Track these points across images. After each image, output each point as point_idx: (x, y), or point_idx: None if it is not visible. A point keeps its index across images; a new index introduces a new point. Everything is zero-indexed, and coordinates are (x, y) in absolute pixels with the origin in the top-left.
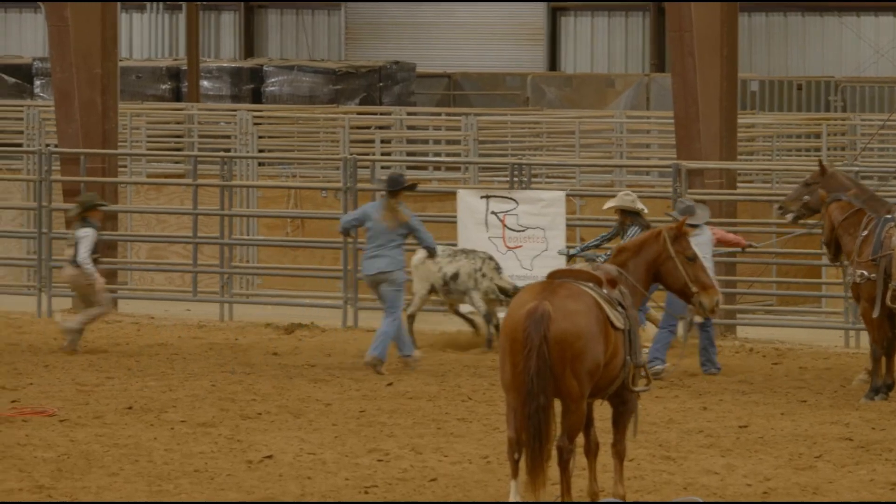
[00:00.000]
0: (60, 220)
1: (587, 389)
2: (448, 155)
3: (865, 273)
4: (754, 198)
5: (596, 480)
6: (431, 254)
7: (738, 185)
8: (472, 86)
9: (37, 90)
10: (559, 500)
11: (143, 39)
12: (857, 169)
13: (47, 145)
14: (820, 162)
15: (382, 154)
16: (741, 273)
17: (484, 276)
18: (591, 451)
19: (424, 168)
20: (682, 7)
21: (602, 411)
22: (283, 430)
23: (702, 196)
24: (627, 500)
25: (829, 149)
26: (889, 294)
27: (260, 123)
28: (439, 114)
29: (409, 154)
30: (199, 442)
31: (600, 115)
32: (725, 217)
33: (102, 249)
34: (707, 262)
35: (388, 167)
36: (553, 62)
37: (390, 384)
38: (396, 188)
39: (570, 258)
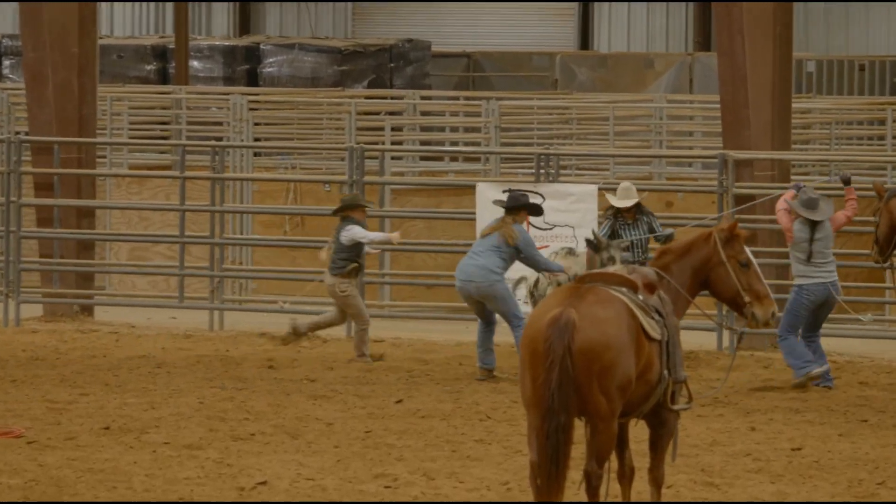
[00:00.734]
0: (31, 217)
1: (617, 407)
2: (466, 144)
3: None
4: None
5: None
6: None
7: (793, 177)
8: (494, 66)
9: (5, 71)
10: None
11: (126, 15)
12: None
13: (17, 133)
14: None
15: (393, 143)
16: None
17: None
18: (626, 476)
19: (440, 159)
20: None
21: (638, 432)
22: (278, 453)
23: (751, 190)
24: None
25: (894, 137)
26: None
27: (256, 109)
28: (457, 98)
29: (422, 143)
30: (184, 466)
31: (637, 100)
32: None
33: (78, 250)
34: (827, 261)
35: (399, 157)
36: (585, 40)
37: (399, 401)
38: (513, 206)
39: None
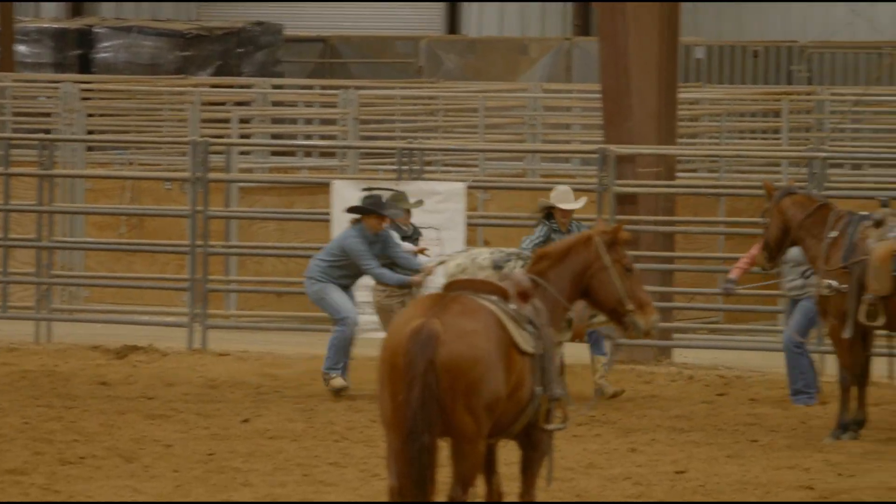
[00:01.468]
0: None
1: (485, 427)
2: (322, 138)
3: (834, 283)
4: (698, 190)
5: None
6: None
7: (679, 174)
8: (353, 52)
9: None
10: None
11: None
12: (825, 155)
13: None
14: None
15: (241, 137)
16: (679, 283)
17: None
18: (494, 502)
19: (292, 154)
20: None
21: (508, 454)
22: (111, 478)
23: (634, 188)
24: None
25: (791, 130)
26: (864, 309)
27: (89, 98)
28: (312, 87)
29: (273, 136)
30: (5, 493)
31: (510, 89)
32: (662, 214)
33: None
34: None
35: (247, 152)
36: (453, 23)
37: (246, 421)
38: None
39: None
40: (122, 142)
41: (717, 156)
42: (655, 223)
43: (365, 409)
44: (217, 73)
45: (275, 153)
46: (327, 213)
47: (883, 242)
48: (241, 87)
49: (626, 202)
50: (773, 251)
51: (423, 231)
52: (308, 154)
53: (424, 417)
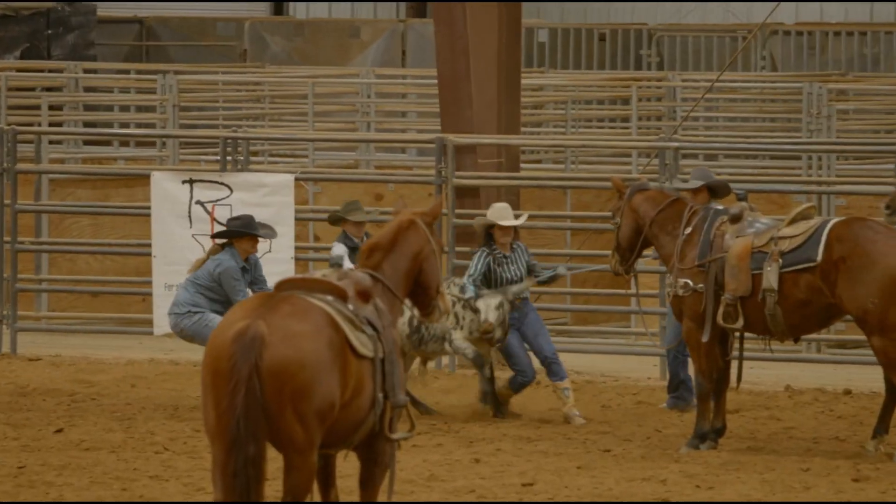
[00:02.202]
0: None
1: (316, 436)
2: (139, 126)
3: (690, 283)
4: (542, 183)
5: None
6: None
7: (522, 165)
8: (172, 34)
9: None
10: None
11: None
12: (676, 145)
13: None
14: None
15: (51, 125)
16: None
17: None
18: None
19: (108, 143)
20: None
21: (346, 466)
22: None
23: (475, 181)
24: None
25: (640, 118)
26: (721, 310)
27: None
28: (128, 71)
29: (86, 124)
30: None
31: (341, 74)
32: None
33: None
34: None
35: (58, 142)
36: (279, 4)
37: (59, 431)
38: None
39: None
40: None
41: (562, 146)
42: None
43: (188, 417)
44: (24, 57)
45: (88, 142)
46: (147, 207)
47: (740, 239)
48: (51, 71)
49: (466, 195)
50: (626, 253)
51: None
52: (124, 143)
53: (249, 426)
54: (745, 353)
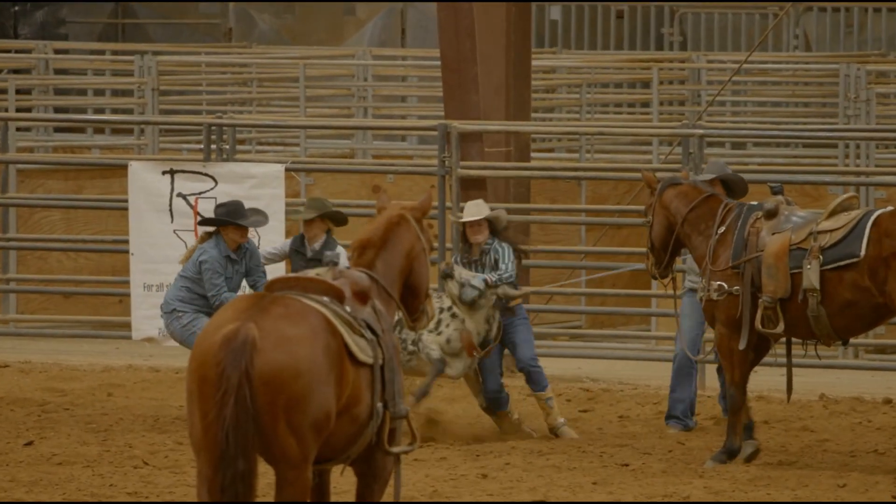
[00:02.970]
0: None
1: (311, 450)
2: (115, 112)
3: (724, 286)
4: (555, 173)
5: None
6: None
7: (533, 154)
8: (150, 12)
9: None
10: None
11: None
12: (701, 132)
13: None
14: None
15: (20, 110)
16: (535, 281)
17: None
18: None
19: (81, 130)
20: None
21: (344, 482)
22: None
23: (481, 171)
24: None
25: (661, 103)
26: (760, 314)
27: None
28: (102, 52)
29: (57, 110)
30: None
31: (335, 56)
32: (514, 201)
33: None
34: None
35: (27, 129)
36: None
37: (30, 443)
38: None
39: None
40: None
41: (576, 133)
42: (507, 211)
43: (170, 429)
44: None
45: (59, 129)
46: (124, 200)
47: (777, 235)
48: (18, 51)
49: (472, 187)
50: (661, 255)
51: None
52: (99, 131)
53: (238, 439)
54: (773, 360)
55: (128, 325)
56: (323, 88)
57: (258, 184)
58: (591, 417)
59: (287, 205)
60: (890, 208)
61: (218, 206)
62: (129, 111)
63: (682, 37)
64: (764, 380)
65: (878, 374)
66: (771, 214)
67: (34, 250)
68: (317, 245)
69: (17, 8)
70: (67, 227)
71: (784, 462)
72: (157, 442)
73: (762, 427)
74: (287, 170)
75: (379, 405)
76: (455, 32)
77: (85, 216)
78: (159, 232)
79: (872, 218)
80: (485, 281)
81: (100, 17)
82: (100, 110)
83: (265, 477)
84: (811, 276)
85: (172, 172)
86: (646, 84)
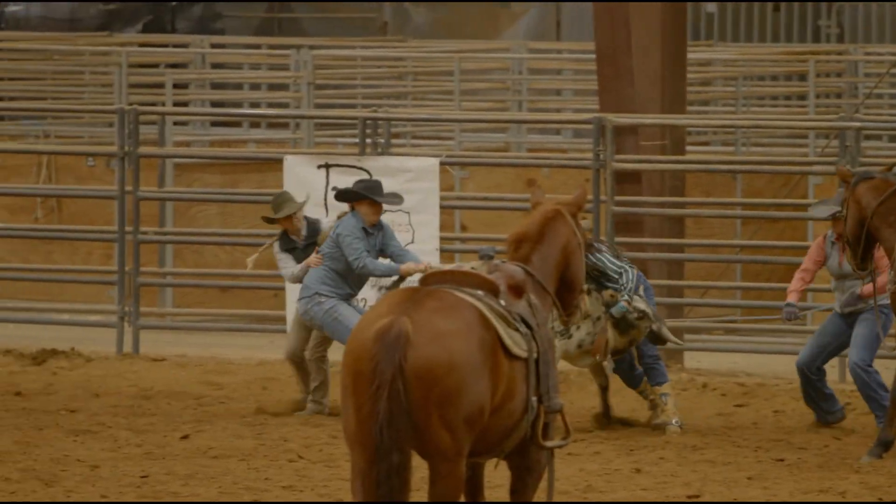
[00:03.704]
0: None
1: (465, 444)
2: (271, 106)
3: None
4: (711, 167)
5: None
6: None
7: (689, 148)
8: (306, 6)
9: None
10: None
11: None
12: (858, 124)
13: None
14: None
15: (176, 104)
16: (690, 275)
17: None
18: None
19: (237, 124)
20: None
21: (497, 476)
22: None
23: (636, 164)
24: None
25: (817, 96)
26: None
27: None
28: (258, 46)
29: (214, 104)
30: None
31: (490, 49)
32: (669, 194)
33: None
34: None
35: (184, 123)
36: None
37: (186, 437)
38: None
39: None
40: (36, 110)
41: (732, 126)
42: (661, 205)
43: (325, 423)
44: (147, 31)
45: (216, 123)
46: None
47: None
48: (176, 46)
49: (626, 180)
50: (856, 248)
51: (391, 214)
52: (255, 125)
53: (393, 433)
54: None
55: (283, 319)
56: (478, 82)
57: (413, 177)
58: (746, 412)
59: (443, 198)
60: None
61: (357, 182)
62: (285, 105)
63: (839, 28)
64: None
65: None
66: None
67: (191, 244)
68: (303, 233)
69: (174, 3)
70: (224, 221)
71: None
72: (312, 435)
73: None
74: (442, 163)
75: (533, 399)
76: (610, 25)
77: (241, 210)
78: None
79: None
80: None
81: (256, 12)
82: (256, 104)
83: (419, 471)
84: None
85: (328, 166)
86: (802, 77)
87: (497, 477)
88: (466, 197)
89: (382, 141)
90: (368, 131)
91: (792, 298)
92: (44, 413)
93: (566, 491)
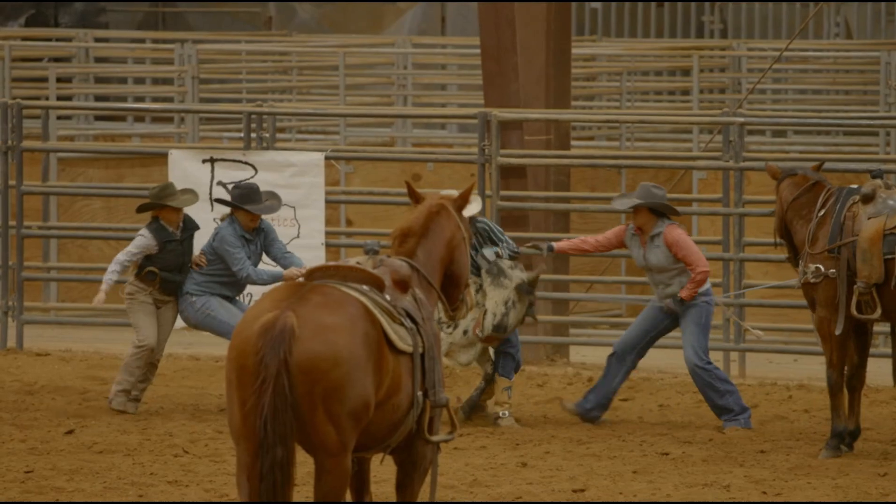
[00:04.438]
0: None
1: (350, 438)
2: (156, 100)
3: (821, 268)
4: (595, 162)
5: None
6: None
7: (574, 142)
8: (190, 1)
9: None
10: None
11: None
12: (742, 120)
13: None
14: None
15: (60, 98)
16: (575, 270)
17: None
18: None
19: (122, 119)
20: None
21: (383, 470)
22: None
23: (522, 159)
24: None
25: (701, 91)
26: (855, 299)
27: None
28: (142, 40)
29: (98, 98)
30: None
31: (375, 44)
32: (554, 189)
33: None
34: None
35: (67, 117)
36: None
37: (70, 432)
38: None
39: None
40: None
41: (616, 121)
42: (547, 199)
43: (210, 418)
44: (30, 25)
45: (100, 118)
46: None
47: (872, 220)
48: (59, 40)
49: (512, 175)
50: (786, 243)
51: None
52: (140, 119)
53: (277, 427)
54: (804, 348)
55: None
56: (363, 77)
57: (298, 172)
58: (632, 406)
59: (328, 193)
60: None
61: (234, 188)
62: (170, 99)
63: (722, 24)
64: (804, 368)
65: None
66: (867, 199)
67: (75, 238)
68: (182, 224)
69: None
70: (108, 216)
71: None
72: (197, 430)
73: (802, 416)
74: (327, 158)
75: (419, 394)
76: (496, 24)
77: (125, 204)
78: (199, 220)
79: None
80: (496, 253)
81: (140, 6)
82: (140, 99)
83: (305, 466)
84: None
85: (213, 161)
86: (686, 72)
87: (383, 472)
88: (352, 191)
89: (267, 135)
90: (253, 126)
91: (557, 245)
92: None
93: (452, 485)
